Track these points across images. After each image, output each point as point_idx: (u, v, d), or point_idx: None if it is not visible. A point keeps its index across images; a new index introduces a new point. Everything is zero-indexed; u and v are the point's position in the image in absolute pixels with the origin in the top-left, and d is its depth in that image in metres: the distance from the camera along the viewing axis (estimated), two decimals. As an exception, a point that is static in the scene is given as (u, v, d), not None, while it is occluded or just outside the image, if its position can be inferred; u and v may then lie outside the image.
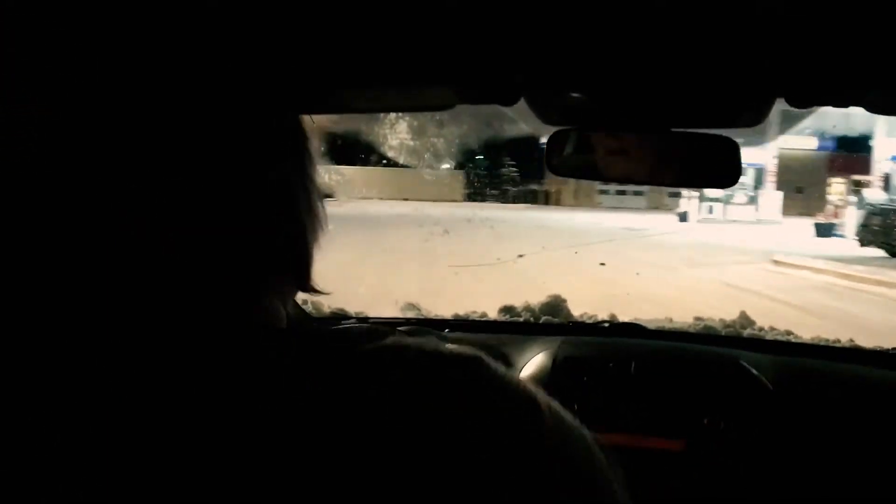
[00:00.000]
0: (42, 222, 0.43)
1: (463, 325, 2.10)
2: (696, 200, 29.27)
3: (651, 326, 1.99)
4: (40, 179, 0.43)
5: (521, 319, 3.14)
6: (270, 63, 0.69)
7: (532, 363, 1.71)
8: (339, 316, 2.24)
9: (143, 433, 0.39)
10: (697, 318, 3.41)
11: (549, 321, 2.83)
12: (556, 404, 0.47)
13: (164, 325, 0.44)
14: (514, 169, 48.43)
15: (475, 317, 2.78)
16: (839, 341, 2.56)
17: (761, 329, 3.34)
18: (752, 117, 1.03)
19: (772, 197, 30.74)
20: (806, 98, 0.88)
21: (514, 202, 46.08)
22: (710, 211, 29.30)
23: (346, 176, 43.36)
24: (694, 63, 0.84)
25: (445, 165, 43.70)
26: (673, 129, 1.08)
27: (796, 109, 0.90)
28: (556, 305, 3.43)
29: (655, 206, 39.50)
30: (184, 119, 0.47)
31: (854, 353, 1.94)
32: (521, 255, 12.95)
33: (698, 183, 1.19)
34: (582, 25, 0.74)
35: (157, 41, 0.47)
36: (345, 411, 0.41)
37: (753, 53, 0.79)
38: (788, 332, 3.33)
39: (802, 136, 35.04)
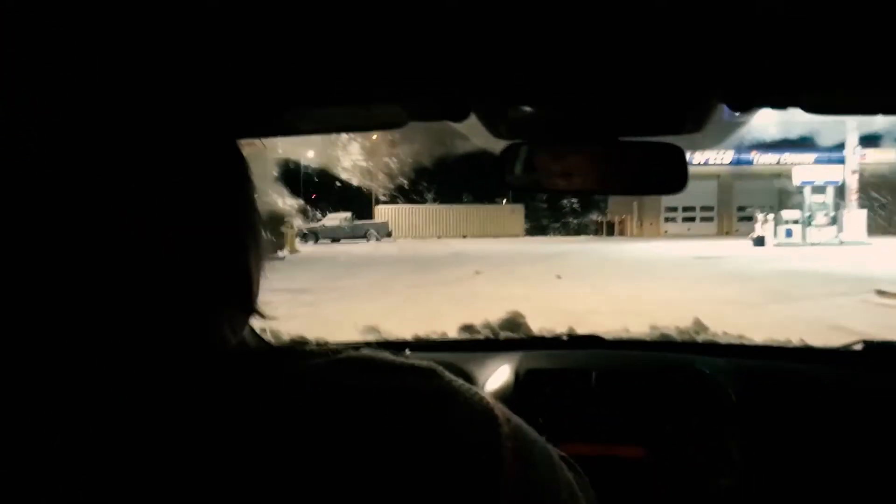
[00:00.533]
0: None
1: (423, 346, 2.09)
2: (772, 223, 27.26)
3: (608, 337, 1.99)
4: None
5: (481, 337, 3.22)
6: (213, 86, 0.71)
7: (493, 378, 1.71)
8: (299, 342, 2.15)
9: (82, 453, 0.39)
10: (653, 327, 3.40)
11: (509, 336, 2.75)
12: (515, 418, 0.47)
13: (109, 352, 0.43)
14: (576, 201, 46.99)
15: (435, 337, 2.78)
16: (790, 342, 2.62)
17: (714, 334, 3.53)
18: (694, 123, 1.07)
19: (855, 216, 28.38)
20: (744, 102, 0.93)
21: (576, 234, 44.74)
22: (788, 234, 27.16)
23: (405, 214, 42.86)
24: (635, 73, 0.88)
25: (504, 200, 42.60)
26: (620, 139, 1.12)
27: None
28: (514, 321, 3.52)
29: (726, 232, 37.41)
30: (121, 145, 0.45)
31: (806, 353, 1.99)
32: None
33: (647, 190, 1.20)
34: (526, 40, 0.77)
35: (92, 63, 0.47)
36: (296, 427, 0.41)
37: (690, 61, 0.83)
38: (741, 336, 3.40)
39: (884, 148, 32.63)
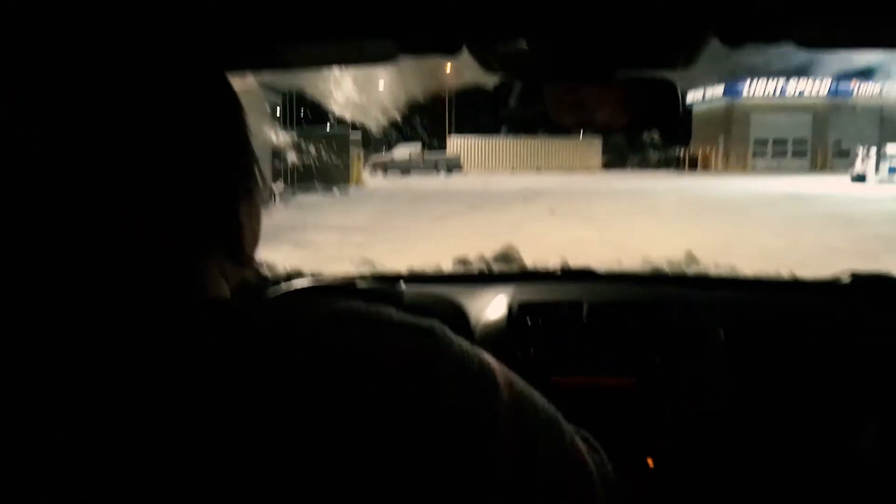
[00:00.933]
0: None
1: (417, 278, 2.03)
2: (874, 159, 24.98)
3: (601, 271, 1.98)
4: None
5: (475, 270, 3.33)
6: (200, 18, 0.72)
7: (486, 311, 1.72)
8: (294, 275, 1.99)
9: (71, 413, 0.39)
10: (646, 261, 3.72)
11: (503, 270, 2.80)
12: (521, 384, 0.47)
13: (90, 298, 0.43)
14: (656, 135, 44.66)
15: (429, 270, 2.60)
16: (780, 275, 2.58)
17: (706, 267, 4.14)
18: (686, 57, 1.07)
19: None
20: (736, 36, 0.93)
21: (656, 168, 42.59)
22: (893, 171, 24.84)
23: (477, 147, 41.73)
24: (627, 6, 0.88)
25: (581, 134, 40.72)
26: (611, 74, 1.12)
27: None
28: (508, 255, 3.77)
29: (820, 168, 34.84)
30: (105, 80, 0.45)
31: (795, 285, 1.98)
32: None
33: (639, 126, 1.22)
34: None
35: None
36: (291, 386, 0.40)
37: None
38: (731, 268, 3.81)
39: None
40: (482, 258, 3.41)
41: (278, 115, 23.88)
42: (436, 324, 0.46)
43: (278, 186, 19.85)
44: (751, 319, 1.64)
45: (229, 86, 0.54)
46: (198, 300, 0.47)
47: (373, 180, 28.09)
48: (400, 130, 42.94)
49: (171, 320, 0.43)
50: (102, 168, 0.43)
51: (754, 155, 36.61)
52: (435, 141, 44.53)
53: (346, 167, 24.01)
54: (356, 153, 25.48)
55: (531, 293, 1.76)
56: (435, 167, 36.21)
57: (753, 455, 1.52)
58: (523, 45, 1.00)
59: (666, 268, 2.96)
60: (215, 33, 0.76)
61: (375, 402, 0.40)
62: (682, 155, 40.83)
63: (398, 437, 0.39)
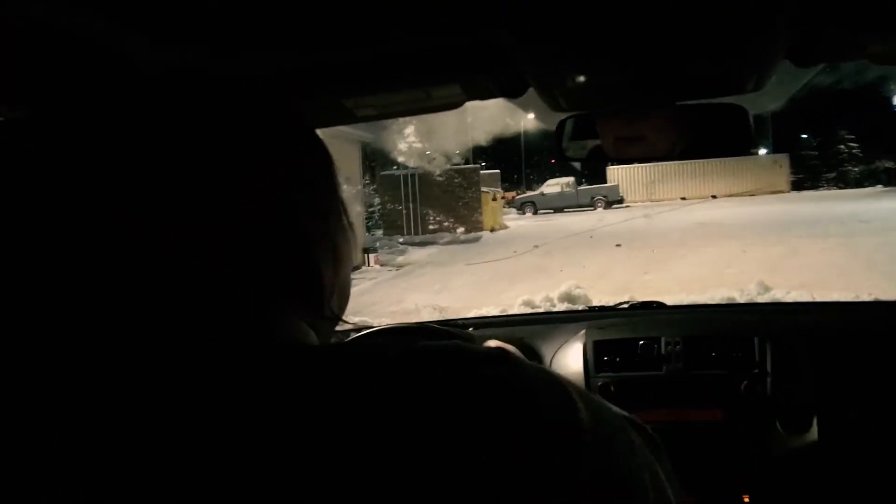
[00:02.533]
0: (57, 235, 0.44)
1: (486, 323, 2.04)
2: None
3: (671, 303, 2.01)
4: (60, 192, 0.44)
5: (542, 309, 3.87)
6: (275, 78, 0.80)
7: (560, 351, 1.73)
8: (364, 326, 1.91)
9: (137, 439, 0.40)
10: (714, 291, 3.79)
11: (570, 308, 3.12)
12: (595, 400, 0.47)
13: (162, 336, 0.44)
14: (854, 143, 37.96)
15: (496, 312, 3.32)
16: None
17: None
18: (758, 81, 1.04)
19: None
20: (809, 56, 0.92)
21: (857, 186, 36.16)
22: None
23: (640, 174, 37.26)
24: (693, 31, 0.85)
25: (763, 150, 35.08)
26: (678, 103, 1.11)
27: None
28: (573, 295, 3.85)
29: None
30: (192, 134, 0.48)
31: (878, 308, 2.02)
32: None
33: (710, 153, 1.24)
34: (576, 11, 0.76)
35: (166, 50, 0.58)
36: (371, 421, 0.40)
37: (751, 17, 0.80)
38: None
39: None
40: (548, 299, 3.36)
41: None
42: (506, 349, 0.45)
43: (373, 237, 17.12)
44: (836, 344, 1.61)
45: (321, 149, 0.56)
46: (283, 344, 0.47)
47: (517, 222, 24.56)
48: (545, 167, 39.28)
49: (254, 362, 0.44)
50: (194, 216, 0.46)
51: None
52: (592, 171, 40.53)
53: (476, 208, 20.72)
54: (491, 193, 22.15)
55: (603, 330, 1.75)
56: (591, 202, 32.22)
57: (853, 484, 1.47)
58: (588, 80, 1.00)
59: (737, 297, 2.98)
60: (290, 92, 0.83)
61: (457, 432, 0.40)
62: (893, 168, 33.92)
63: (490, 466, 0.39)
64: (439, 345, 0.46)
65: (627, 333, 1.73)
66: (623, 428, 0.46)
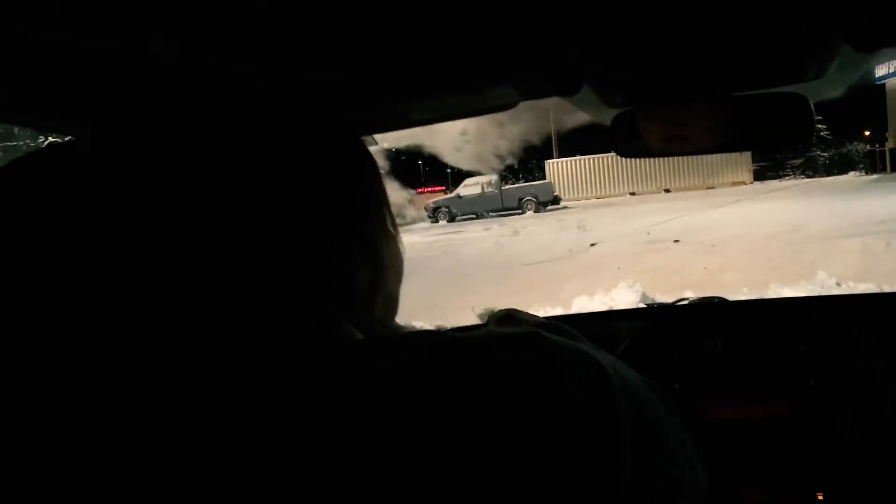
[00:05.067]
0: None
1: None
2: None
3: (732, 299, 1.90)
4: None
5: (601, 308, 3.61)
6: (329, 85, 0.81)
7: (621, 350, 1.68)
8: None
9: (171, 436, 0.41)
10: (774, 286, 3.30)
11: (629, 306, 2.79)
12: (619, 366, 0.48)
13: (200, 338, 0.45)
14: (823, 125, 32.94)
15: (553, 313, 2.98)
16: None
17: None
18: (819, 68, 1.02)
19: None
20: (872, 40, 0.87)
21: (828, 173, 31.50)
22: None
23: (583, 168, 31.82)
24: (750, 17, 0.83)
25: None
26: (735, 94, 1.10)
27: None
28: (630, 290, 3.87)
29: None
30: (239, 145, 0.50)
31: None
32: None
33: (771, 144, 1.20)
34: (632, 3, 0.75)
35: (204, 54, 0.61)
36: (408, 414, 0.41)
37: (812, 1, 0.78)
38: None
39: None
40: (607, 294, 3.25)
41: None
42: (540, 332, 0.47)
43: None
44: None
45: (364, 159, 0.57)
46: (305, 341, 0.47)
47: (412, 237, 18.60)
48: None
49: (301, 360, 0.44)
50: (245, 224, 0.47)
51: None
52: (534, 163, 35.00)
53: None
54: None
55: (665, 327, 1.73)
56: (518, 205, 26.47)
57: None
58: (645, 72, 1.01)
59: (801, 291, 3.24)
60: (346, 100, 0.83)
61: (503, 414, 0.40)
62: (875, 150, 28.73)
63: (534, 440, 0.40)
64: (466, 334, 0.46)
65: (689, 329, 1.68)
66: (647, 392, 0.47)
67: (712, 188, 28.92)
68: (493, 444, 0.39)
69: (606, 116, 1.20)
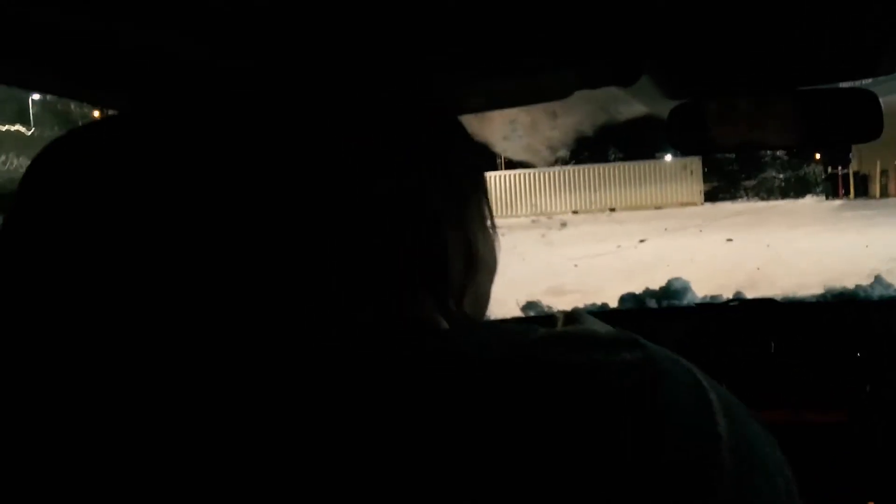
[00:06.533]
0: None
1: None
2: None
3: (779, 300, 1.89)
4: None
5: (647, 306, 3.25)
6: (393, 69, 0.79)
7: (666, 346, 1.15)
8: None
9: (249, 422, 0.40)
10: (828, 287, 3.11)
11: (673, 304, 2.78)
12: (722, 389, 0.45)
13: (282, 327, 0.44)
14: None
15: (596, 308, 2.81)
16: None
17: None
18: (891, 63, 0.99)
19: None
20: None
21: (784, 196, 29.79)
22: None
23: (518, 183, 29.00)
24: (817, 11, 0.81)
25: (669, 156, 27.91)
26: (799, 88, 1.07)
27: None
28: (677, 289, 3.39)
29: None
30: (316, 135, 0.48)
31: None
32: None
33: (833, 141, 1.26)
34: None
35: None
36: (492, 409, 0.39)
37: None
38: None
39: None
40: (652, 293, 3.10)
41: None
42: (636, 335, 0.45)
43: None
44: None
45: (462, 149, 0.55)
46: (401, 327, 0.47)
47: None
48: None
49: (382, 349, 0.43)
50: (331, 213, 0.46)
51: None
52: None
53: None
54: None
55: (712, 329, 1.68)
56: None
57: None
58: (705, 63, 0.98)
59: (854, 291, 2.84)
60: (401, 83, 0.77)
61: (599, 419, 0.39)
62: (836, 173, 26.27)
63: (626, 452, 0.38)
64: (563, 331, 0.45)
65: (735, 332, 1.63)
66: (755, 424, 0.44)
67: (661, 208, 26.75)
68: (578, 449, 0.38)
69: (664, 108, 1.16)
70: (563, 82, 0.99)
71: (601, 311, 2.48)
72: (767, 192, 31.28)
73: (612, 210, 27.77)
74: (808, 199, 26.91)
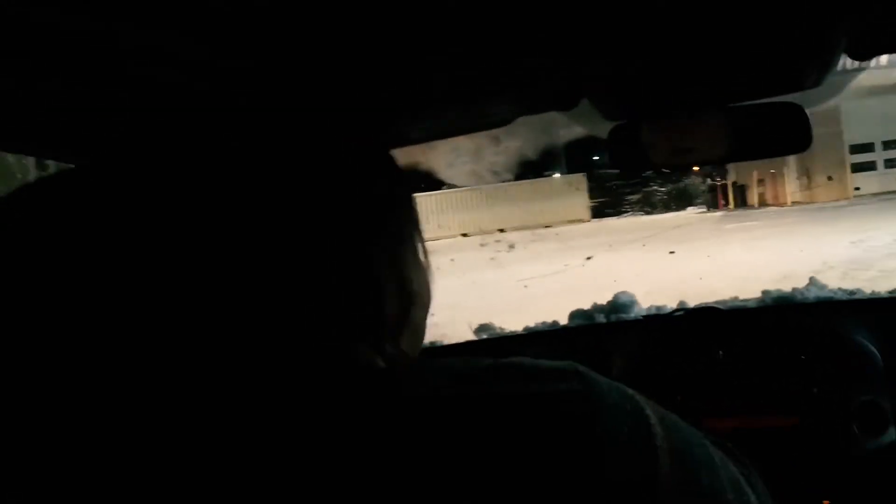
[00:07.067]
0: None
1: (536, 336, 2.16)
2: None
3: (723, 307, 1.89)
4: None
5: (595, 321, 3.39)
6: (324, 98, 0.80)
7: (618, 363, 1.69)
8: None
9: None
10: (765, 291, 3.15)
11: (621, 318, 2.79)
12: (670, 416, 0.46)
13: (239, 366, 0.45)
14: (661, 160, 30.99)
15: (546, 326, 2.75)
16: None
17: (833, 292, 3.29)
18: (816, 77, 1.03)
19: None
20: (868, 46, 0.89)
21: (666, 209, 30.08)
22: None
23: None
24: (746, 31, 0.84)
25: (557, 174, 27.72)
26: (731, 105, 1.12)
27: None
28: (624, 303, 3.50)
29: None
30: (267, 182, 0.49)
31: None
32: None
33: (767, 153, 1.21)
34: (629, 17, 0.76)
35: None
36: (435, 441, 0.41)
37: (809, 7, 0.78)
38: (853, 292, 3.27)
39: None
40: (598, 307, 3.20)
41: None
42: (575, 365, 0.45)
43: None
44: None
45: (396, 195, 0.55)
46: (349, 372, 0.47)
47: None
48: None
49: (321, 388, 0.44)
50: (273, 250, 0.47)
51: (855, 170, 22.50)
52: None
53: None
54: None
55: (661, 339, 1.70)
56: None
57: None
58: (642, 86, 1.01)
59: (791, 294, 2.82)
60: (348, 116, 0.81)
61: (540, 447, 0.40)
62: (717, 184, 26.65)
63: (565, 479, 0.39)
64: (505, 361, 0.45)
65: (684, 343, 1.65)
66: (702, 444, 0.45)
67: (549, 226, 26.34)
68: (520, 481, 0.39)
69: (602, 129, 1.19)
70: (504, 110, 1.02)
71: (552, 329, 2.51)
72: (651, 205, 31.67)
73: (502, 231, 27.25)
74: (689, 212, 27.28)
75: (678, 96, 1.08)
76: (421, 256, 0.55)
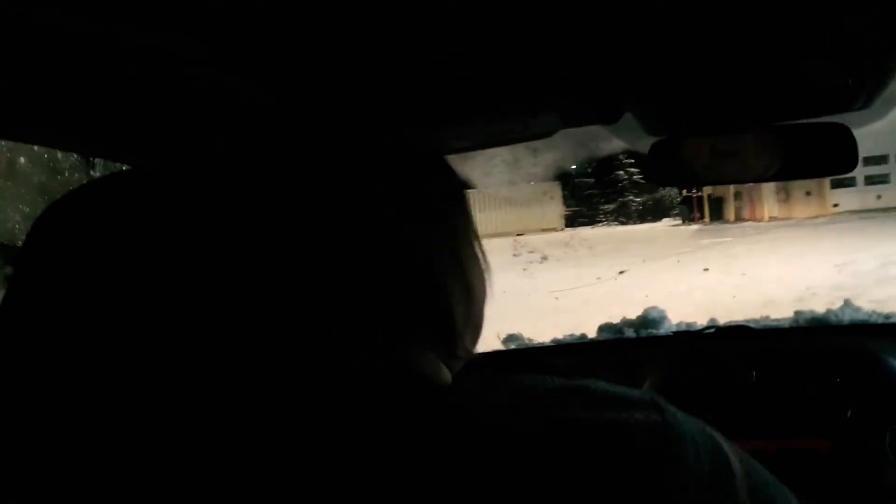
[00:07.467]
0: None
1: (566, 349, 2.09)
2: None
3: (756, 326, 1.88)
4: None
5: (624, 336, 3.24)
6: (377, 111, 0.82)
7: (648, 381, 1.64)
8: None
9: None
10: (797, 311, 3.10)
11: (652, 334, 2.73)
12: (746, 455, 0.45)
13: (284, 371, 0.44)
14: (635, 168, 30.48)
15: (575, 339, 2.69)
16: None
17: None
18: (867, 99, 1.02)
19: None
20: None
21: (641, 220, 29.84)
22: None
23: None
24: (795, 51, 0.84)
25: (531, 181, 27.07)
26: (776, 124, 1.11)
27: None
28: (654, 318, 3.40)
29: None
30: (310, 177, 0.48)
31: None
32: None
33: (812, 174, 1.20)
34: (678, 32, 0.76)
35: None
36: (506, 465, 0.39)
37: (863, 22, 0.77)
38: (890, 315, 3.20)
39: None
40: (627, 321, 3.21)
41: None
42: (651, 393, 0.44)
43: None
44: None
45: (452, 187, 0.54)
46: (408, 382, 0.46)
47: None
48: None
49: (377, 400, 0.43)
50: (327, 259, 0.45)
51: (834, 186, 22.01)
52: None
53: None
54: None
55: (692, 358, 1.67)
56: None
57: None
58: (686, 101, 1.00)
59: (825, 316, 2.85)
60: (388, 129, 0.81)
61: (615, 484, 0.38)
62: (693, 196, 26.10)
63: None
64: (578, 384, 0.44)
65: (715, 362, 1.61)
66: (774, 483, 0.45)
67: (522, 234, 25.46)
68: None
69: (644, 144, 1.18)
70: (546, 123, 1.02)
71: (580, 342, 2.44)
72: (626, 216, 31.28)
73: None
74: (664, 223, 26.72)
75: (723, 113, 1.08)
76: (479, 256, 0.53)
